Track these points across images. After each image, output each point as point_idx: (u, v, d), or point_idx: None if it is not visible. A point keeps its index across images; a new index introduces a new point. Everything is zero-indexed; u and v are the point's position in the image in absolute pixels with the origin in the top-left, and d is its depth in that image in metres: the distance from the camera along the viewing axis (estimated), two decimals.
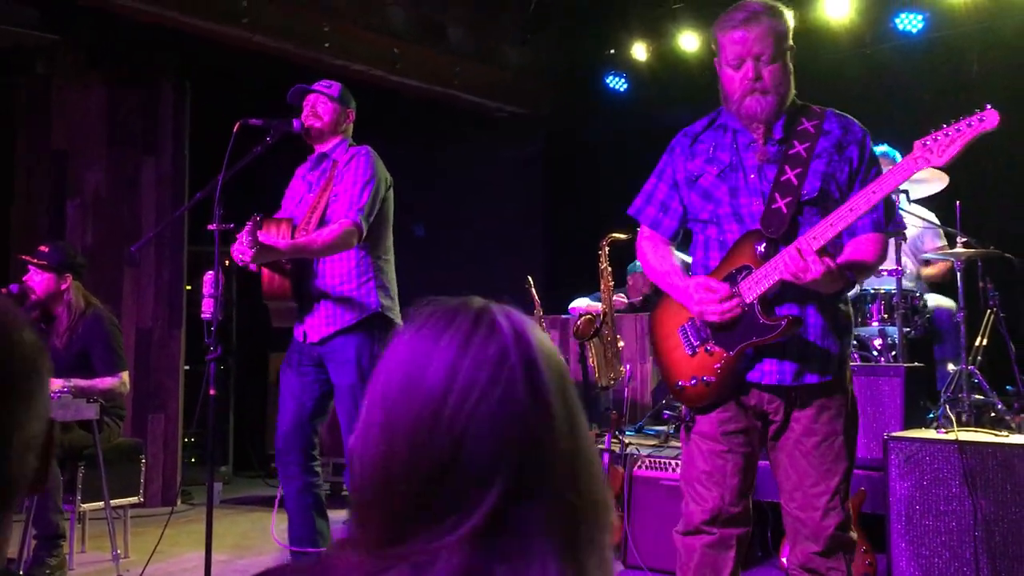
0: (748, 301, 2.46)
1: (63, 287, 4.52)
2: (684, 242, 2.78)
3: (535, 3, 7.35)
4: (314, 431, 3.59)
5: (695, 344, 2.56)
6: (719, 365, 2.50)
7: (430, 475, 0.84)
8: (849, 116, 2.67)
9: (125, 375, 4.55)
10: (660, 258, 2.70)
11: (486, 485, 0.83)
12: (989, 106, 2.36)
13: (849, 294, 4.75)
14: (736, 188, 2.55)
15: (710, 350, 2.52)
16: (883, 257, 2.68)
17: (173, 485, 6.18)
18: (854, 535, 2.58)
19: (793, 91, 2.59)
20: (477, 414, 0.84)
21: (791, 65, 2.57)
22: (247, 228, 3.23)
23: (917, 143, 2.42)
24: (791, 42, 2.57)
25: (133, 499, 4.72)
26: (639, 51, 7.36)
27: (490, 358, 0.86)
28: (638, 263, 7.63)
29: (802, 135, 2.55)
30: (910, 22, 6.23)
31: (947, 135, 2.38)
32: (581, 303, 6.24)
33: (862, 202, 2.40)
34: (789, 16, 2.57)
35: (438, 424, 0.84)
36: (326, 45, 6.31)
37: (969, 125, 2.36)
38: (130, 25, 5.81)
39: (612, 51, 7.65)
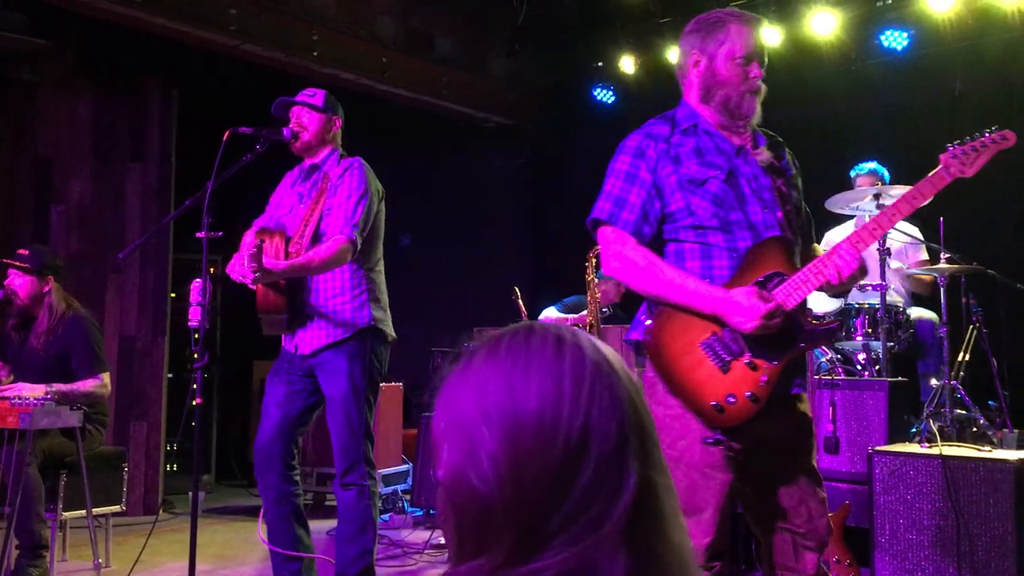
0: (789, 307, 2.37)
1: (45, 289, 4.51)
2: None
3: (523, 15, 7.38)
4: (295, 441, 3.58)
5: (726, 358, 2.36)
6: (766, 378, 2.34)
7: (564, 467, 0.85)
8: None
9: (106, 376, 4.52)
10: (665, 266, 2.43)
11: (623, 467, 0.85)
12: (994, 128, 2.44)
13: (833, 309, 4.82)
14: (742, 195, 2.46)
15: (752, 363, 2.35)
16: None
17: (155, 494, 6.14)
18: None
19: None
20: (596, 399, 0.87)
21: None
22: (249, 252, 3.22)
23: (944, 156, 2.45)
24: None
25: (115, 508, 4.68)
26: (627, 64, 7.39)
27: (589, 365, 0.90)
28: None
29: (768, 146, 2.57)
30: (895, 39, 6.29)
31: (974, 149, 2.42)
32: (550, 314, 6.22)
33: (904, 208, 2.44)
34: None
35: (560, 418, 0.86)
36: (315, 53, 6.31)
37: (993, 141, 2.42)
38: (118, 32, 5.79)
39: (600, 64, 7.68)
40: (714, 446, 2.34)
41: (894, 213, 2.46)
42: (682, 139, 2.52)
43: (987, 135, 2.43)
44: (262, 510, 3.64)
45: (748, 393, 2.33)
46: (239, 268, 3.30)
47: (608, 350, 0.95)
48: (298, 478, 3.60)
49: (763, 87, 2.51)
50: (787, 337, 2.37)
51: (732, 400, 2.33)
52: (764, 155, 2.52)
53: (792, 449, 2.47)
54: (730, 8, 2.57)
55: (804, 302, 2.40)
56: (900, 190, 4.73)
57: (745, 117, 2.50)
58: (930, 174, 2.48)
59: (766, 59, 2.53)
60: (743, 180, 2.48)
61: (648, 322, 2.47)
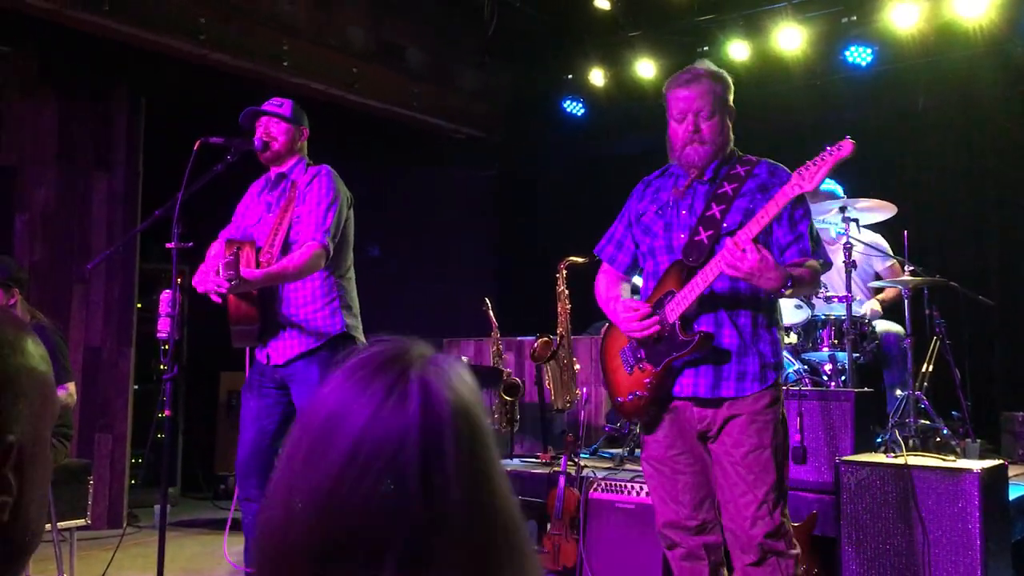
0: (671, 321, 2.73)
1: (11, 302, 4.44)
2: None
3: (493, 27, 7.41)
4: (275, 454, 3.56)
5: (632, 363, 2.86)
6: (648, 380, 2.80)
7: (325, 550, 0.82)
8: (783, 166, 2.87)
9: (72, 386, 4.46)
10: (608, 289, 3.02)
11: (379, 561, 0.81)
12: (848, 137, 2.65)
13: (800, 320, 4.88)
14: (670, 223, 2.85)
15: (642, 367, 2.82)
16: (817, 283, 3.04)
17: (119, 507, 6.05)
18: (793, 549, 2.70)
19: (731, 142, 2.87)
20: (371, 498, 0.81)
21: (729, 121, 2.86)
22: (225, 260, 3.21)
23: (794, 174, 2.67)
24: (731, 103, 2.87)
25: (80, 521, 4.61)
26: (596, 77, 7.44)
27: (391, 439, 0.83)
28: None
29: (732, 177, 2.82)
30: (859, 55, 6.38)
31: (815, 164, 2.63)
32: None
33: (771, 208, 2.62)
34: (728, 81, 2.89)
35: (335, 499, 0.82)
36: (284, 63, 6.28)
37: (830, 154, 2.64)
38: (85, 39, 5.72)
39: (569, 76, 7.73)
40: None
41: (766, 213, 2.63)
42: (659, 181, 2.98)
43: (828, 148, 2.65)
44: (228, 528, 3.60)
45: (638, 392, 2.84)
46: (212, 279, 3.27)
47: (456, 419, 0.87)
48: None
49: (698, 136, 2.78)
50: (667, 347, 2.76)
51: (631, 397, 2.86)
52: (700, 188, 2.83)
53: (722, 447, 2.73)
54: (676, 73, 2.87)
55: (686, 317, 2.72)
56: (866, 203, 4.82)
57: (689, 165, 2.82)
58: (781, 188, 2.64)
59: (703, 107, 2.78)
60: (675, 210, 2.85)
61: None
